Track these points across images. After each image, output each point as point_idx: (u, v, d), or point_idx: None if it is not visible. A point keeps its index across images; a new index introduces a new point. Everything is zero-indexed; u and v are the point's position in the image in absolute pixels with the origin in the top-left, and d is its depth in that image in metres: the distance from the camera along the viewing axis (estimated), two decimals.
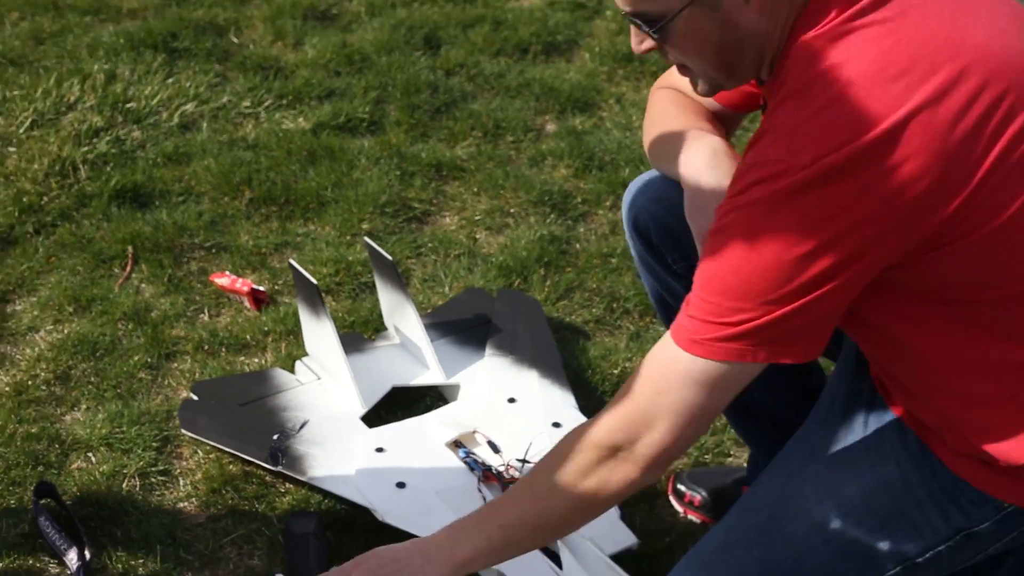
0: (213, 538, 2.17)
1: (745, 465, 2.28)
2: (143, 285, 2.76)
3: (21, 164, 3.08)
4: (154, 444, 2.34)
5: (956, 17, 1.42)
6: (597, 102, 3.48)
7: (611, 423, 1.55)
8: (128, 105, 3.32)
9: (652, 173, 1.89)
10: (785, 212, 1.38)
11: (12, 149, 3.15)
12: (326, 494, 2.22)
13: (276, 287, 2.76)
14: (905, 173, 1.35)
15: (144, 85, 3.41)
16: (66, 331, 2.61)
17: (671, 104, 1.81)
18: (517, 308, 2.61)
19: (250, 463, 2.29)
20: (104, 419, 2.38)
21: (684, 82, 1.64)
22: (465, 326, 2.57)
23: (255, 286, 2.71)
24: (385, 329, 2.59)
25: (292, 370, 2.49)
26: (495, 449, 2.25)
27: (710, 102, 1.81)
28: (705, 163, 1.70)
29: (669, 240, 1.87)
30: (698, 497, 2.24)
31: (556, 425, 2.28)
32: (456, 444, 2.27)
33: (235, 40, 3.70)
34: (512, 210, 3.01)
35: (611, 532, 2.09)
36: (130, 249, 2.83)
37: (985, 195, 1.39)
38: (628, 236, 1.94)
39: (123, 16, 3.80)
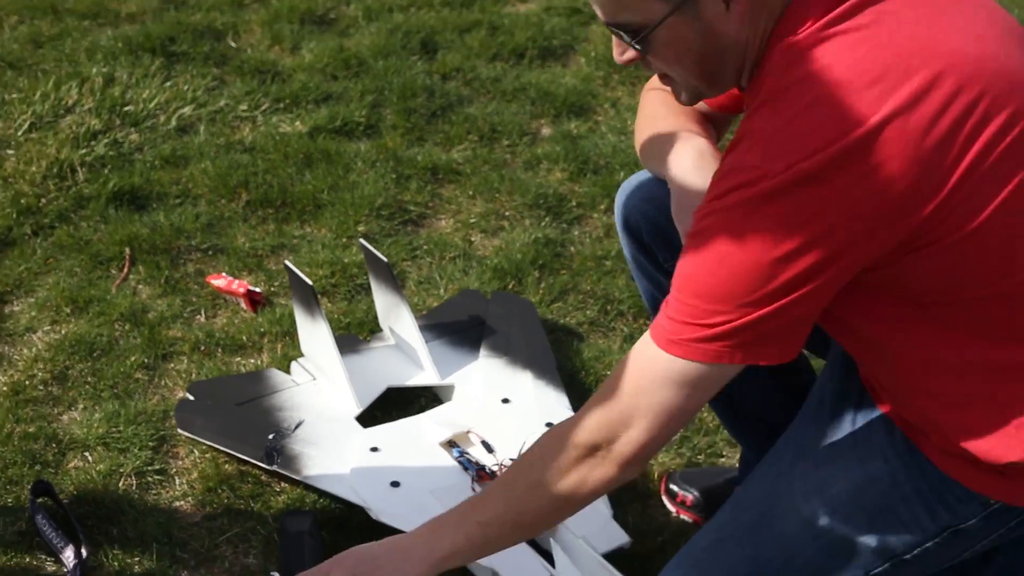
0: (209, 537, 2.19)
1: (737, 466, 2.30)
2: (140, 286, 2.78)
3: (19, 166, 3.10)
4: (150, 444, 2.35)
5: (931, 22, 1.43)
6: (592, 106, 3.51)
7: (590, 422, 1.56)
8: (126, 108, 3.34)
9: (644, 173, 1.91)
10: (760, 216, 1.40)
11: (10, 151, 3.17)
12: (321, 493, 2.24)
13: (272, 289, 2.78)
14: (879, 178, 1.37)
15: (142, 88, 3.43)
16: (63, 332, 2.62)
17: (661, 105, 1.83)
18: (512, 310, 2.62)
19: (246, 462, 2.30)
20: (101, 419, 2.39)
21: None
22: (460, 328, 2.58)
23: (251, 288, 2.73)
24: (380, 330, 2.60)
25: (288, 371, 2.50)
26: (489, 449, 2.27)
27: (699, 104, 1.83)
28: (691, 164, 1.72)
29: (660, 239, 1.89)
30: (690, 497, 2.25)
31: (549, 425, 2.30)
32: (450, 444, 2.28)
33: (233, 44, 3.72)
34: (507, 213, 3.03)
35: (604, 531, 2.11)
36: (127, 251, 2.85)
37: (959, 199, 1.40)
38: (620, 235, 1.97)
39: (121, 20, 3.82)
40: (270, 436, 2.29)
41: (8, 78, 3.48)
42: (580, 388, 2.51)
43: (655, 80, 1.91)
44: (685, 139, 1.75)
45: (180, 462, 2.34)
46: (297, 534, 2.10)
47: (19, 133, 3.24)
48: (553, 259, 2.87)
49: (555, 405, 2.36)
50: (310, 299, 2.39)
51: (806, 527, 1.64)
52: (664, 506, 2.29)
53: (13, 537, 2.16)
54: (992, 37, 1.46)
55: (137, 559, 2.13)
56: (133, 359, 2.55)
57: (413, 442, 2.30)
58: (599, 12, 1.50)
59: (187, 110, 3.37)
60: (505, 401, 2.39)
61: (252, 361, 2.57)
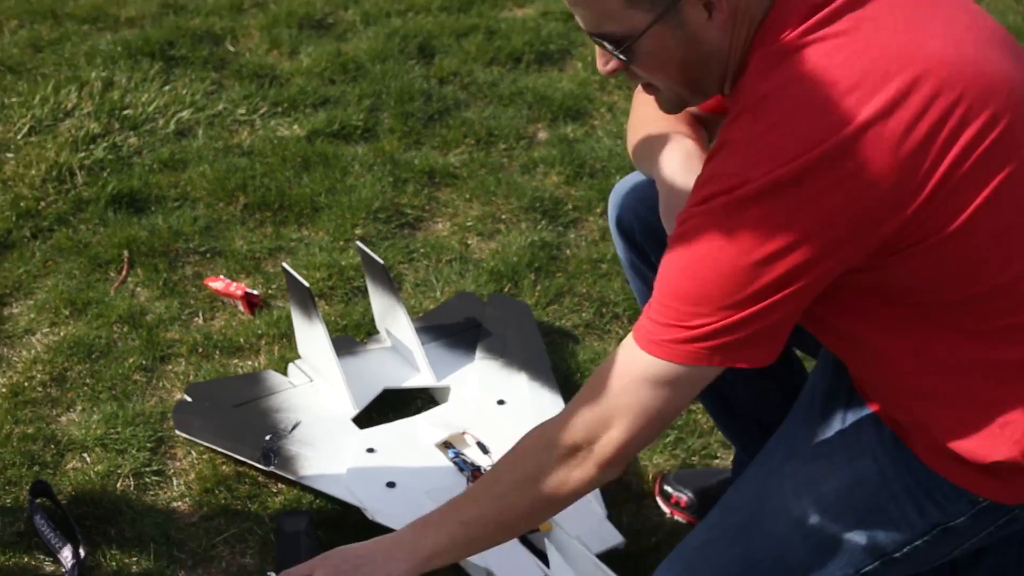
0: (206, 537, 2.20)
1: (731, 467, 2.32)
2: (138, 289, 2.79)
3: (19, 170, 3.11)
4: (148, 445, 2.37)
5: (910, 27, 1.45)
6: (589, 111, 3.52)
7: (571, 422, 1.58)
8: (125, 112, 3.36)
9: (638, 175, 1.93)
10: (740, 220, 1.42)
11: (10, 155, 3.19)
12: (318, 494, 2.25)
13: (270, 291, 2.79)
14: (857, 183, 1.39)
15: (141, 92, 3.45)
16: (62, 334, 2.64)
17: (652, 108, 1.84)
18: (508, 312, 2.64)
19: (243, 463, 2.32)
20: (99, 420, 2.41)
21: None
22: (456, 330, 2.60)
23: (249, 290, 2.75)
24: (377, 332, 2.62)
25: (285, 372, 2.52)
26: (484, 450, 2.28)
27: None
28: (679, 166, 1.74)
29: (653, 240, 1.90)
30: (684, 498, 2.27)
31: None
32: (446, 445, 2.30)
33: (231, 48, 3.74)
34: (504, 216, 3.05)
35: (598, 531, 2.13)
36: (126, 253, 2.87)
37: (939, 202, 1.42)
38: (614, 236, 1.99)
39: (121, 25, 3.84)
40: (267, 437, 2.30)
41: (8, 82, 3.49)
42: (575, 390, 2.51)
43: None
44: (674, 141, 1.77)
45: (178, 463, 2.36)
46: (294, 534, 2.11)
47: (19, 137, 3.25)
48: (549, 262, 2.89)
49: (550, 407, 2.38)
50: (307, 301, 2.40)
51: (796, 526, 1.66)
52: (658, 507, 2.30)
53: (12, 537, 2.18)
54: (971, 41, 1.47)
55: (135, 559, 2.15)
56: (131, 361, 2.57)
57: (409, 443, 2.32)
58: (582, 23, 1.51)
59: (185, 114, 3.39)
60: (500, 403, 2.41)
61: (249, 363, 2.59)
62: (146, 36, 3.71)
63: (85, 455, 2.35)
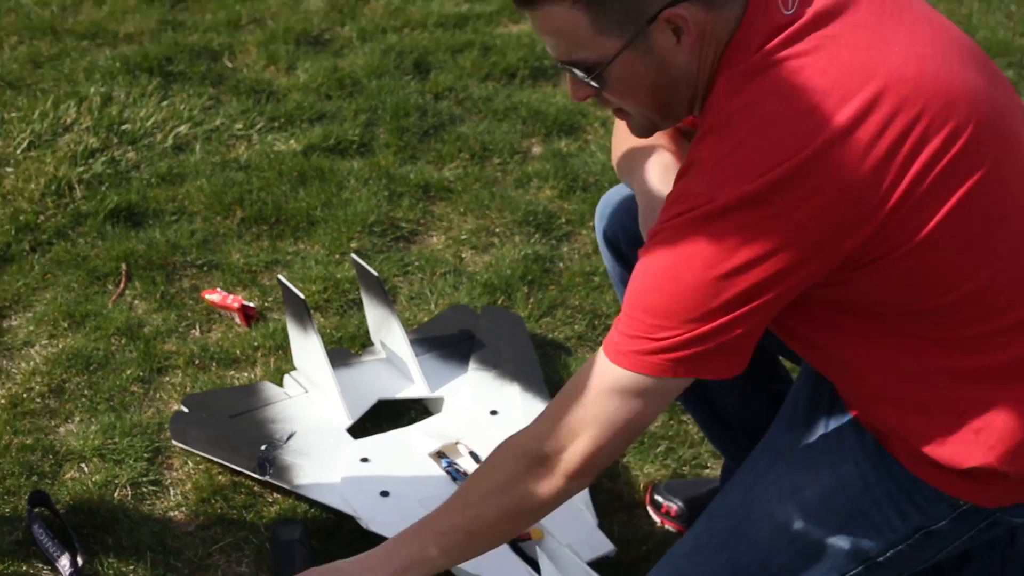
0: (202, 546, 2.22)
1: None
2: (136, 301, 2.82)
3: (18, 184, 3.14)
4: (145, 455, 2.39)
5: (872, 44, 1.47)
6: (582, 125, 3.56)
7: (539, 432, 1.61)
8: (123, 127, 3.39)
9: (624, 188, 1.96)
10: (705, 234, 1.45)
11: (10, 169, 3.22)
12: (312, 503, 2.28)
13: (266, 304, 2.82)
14: (818, 201, 1.42)
15: (139, 108, 3.48)
16: (61, 346, 2.67)
17: None
18: (501, 324, 2.67)
19: (239, 473, 2.34)
20: (97, 431, 2.44)
21: None
22: (449, 341, 2.63)
23: (245, 302, 2.77)
24: (372, 344, 2.65)
25: (281, 384, 2.55)
26: (477, 460, 2.31)
27: None
28: (657, 178, 1.77)
29: (639, 251, 1.93)
30: (674, 507, 2.29)
31: None
32: (439, 454, 2.33)
33: (229, 64, 3.77)
34: (497, 230, 3.08)
35: (589, 539, 2.15)
36: (124, 266, 2.90)
37: (901, 217, 1.44)
38: (601, 248, 2.02)
39: (120, 40, 3.87)
40: (263, 447, 2.33)
41: (7, 97, 3.52)
42: None
43: None
44: (654, 153, 1.80)
45: (174, 473, 2.38)
46: (288, 543, 2.14)
47: (18, 151, 3.28)
48: (542, 275, 2.92)
49: None
50: (303, 313, 2.43)
51: (781, 532, 1.68)
52: (649, 516, 2.32)
53: (10, 546, 2.20)
54: (933, 54, 1.50)
55: (132, 568, 2.17)
56: (129, 372, 2.59)
57: (403, 453, 2.34)
58: (553, 52, 1.54)
59: (183, 129, 3.42)
60: (493, 413, 2.44)
61: (246, 374, 2.62)
62: (144, 52, 3.74)
63: (83, 465, 2.37)
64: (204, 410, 2.45)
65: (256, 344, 2.68)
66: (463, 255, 3.00)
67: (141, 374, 2.60)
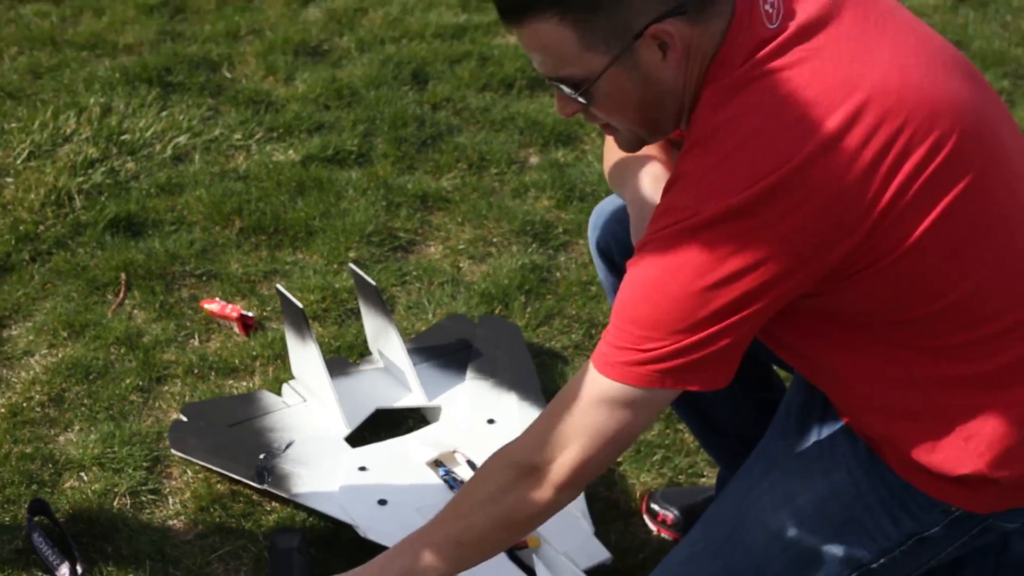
0: (201, 554, 2.24)
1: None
2: (135, 311, 2.84)
3: (18, 194, 3.16)
4: (144, 464, 2.41)
5: (855, 56, 1.48)
6: (579, 135, 3.57)
7: (528, 443, 1.61)
8: (123, 137, 3.41)
9: (616, 198, 1.97)
10: (692, 246, 1.46)
11: (10, 179, 3.23)
12: (310, 511, 2.29)
13: (264, 313, 2.84)
14: (804, 213, 1.43)
15: (138, 118, 3.50)
16: (60, 355, 2.68)
17: None
18: (498, 333, 2.68)
19: (237, 482, 2.35)
20: (96, 440, 2.45)
21: None
22: (447, 351, 2.64)
23: (244, 312, 2.79)
24: (369, 354, 2.66)
25: (279, 393, 2.56)
26: (474, 468, 2.32)
27: None
28: (648, 189, 1.78)
29: (627, 262, 1.95)
30: (670, 516, 2.30)
31: None
32: (436, 463, 2.34)
33: (228, 75, 3.79)
34: (495, 240, 3.10)
35: (585, 547, 2.16)
36: (123, 276, 2.91)
37: (886, 228, 1.46)
38: (594, 257, 2.03)
39: (119, 51, 3.89)
40: (261, 456, 2.34)
41: (8, 108, 3.54)
42: None
43: None
44: (644, 163, 1.81)
45: (173, 482, 2.40)
46: (286, 551, 2.15)
47: (18, 161, 3.30)
48: (539, 284, 2.93)
49: None
50: (301, 323, 2.45)
51: (775, 539, 1.69)
52: (645, 525, 2.33)
53: (10, 555, 2.21)
54: (916, 65, 1.51)
55: None
56: (128, 382, 2.61)
57: (400, 462, 2.35)
58: (540, 68, 1.55)
59: (182, 139, 3.43)
60: (490, 422, 2.45)
61: (244, 383, 2.63)
62: (144, 62, 3.76)
63: (83, 474, 2.39)
64: (203, 419, 2.47)
65: (255, 353, 2.69)
66: (461, 265, 3.02)
67: (140, 383, 2.61)
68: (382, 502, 2.24)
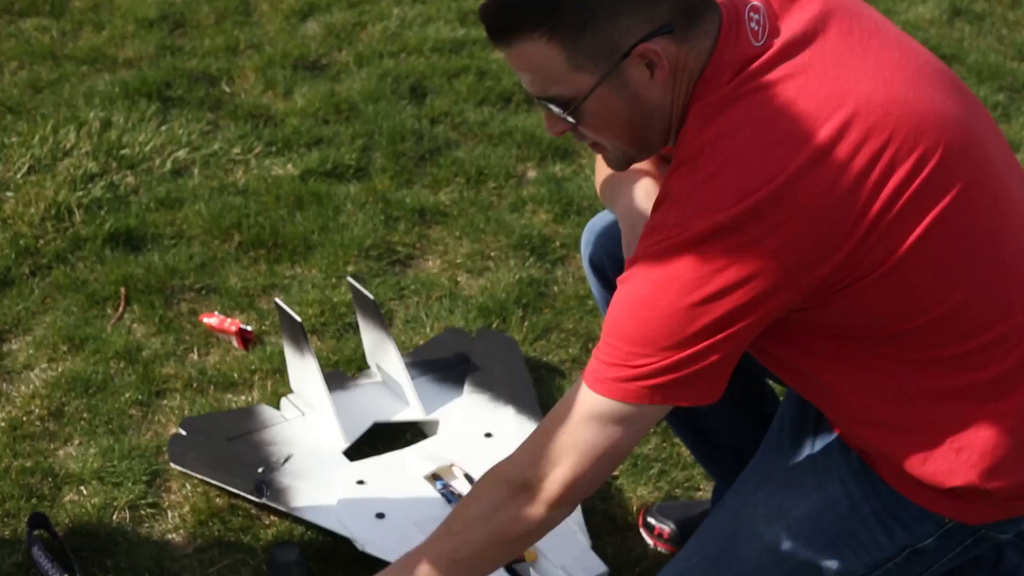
0: (200, 568, 2.25)
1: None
2: (135, 325, 2.85)
3: (18, 208, 3.17)
4: (144, 478, 2.42)
5: (840, 72, 1.50)
6: (577, 150, 3.59)
7: (521, 460, 1.62)
8: (122, 151, 3.42)
9: (609, 213, 1.99)
10: (679, 264, 1.47)
11: (9, 194, 3.25)
12: (309, 525, 2.30)
13: (263, 327, 2.85)
14: (790, 229, 1.45)
15: (138, 132, 3.51)
16: (60, 369, 2.69)
17: None
18: (495, 348, 2.70)
19: (236, 496, 2.37)
20: (96, 454, 2.46)
21: None
22: (445, 364, 2.65)
23: (243, 326, 2.80)
24: (367, 368, 2.68)
25: (278, 407, 2.57)
26: (471, 482, 2.33)
27: None
28: (639, 204, 1.80)
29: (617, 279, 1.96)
30: (667, 530, 2.31)
31: None
32: (434, 477, 2.35)
33: (227, 89, 3.81)
34: (493, 254, 3.11)
35: (582, 561, 2.17)
36: (123, 290, 2.92)
37: (873, 242, 1.47)
38: (587, 273, 2.04)
39: (119, 66, 3.91)
40: (260, 470, 2.35)
41: (7, 122, 3.56)
42: None
43: None
44: (635, 179, 1.83)
45: (172, 496, 2.41)
46: (285, 565, 2.16)
47: (18, 176, 3.31)
48: (537, 298, 2.95)
49: None
50: (300, 337, 2.46)
51: (770, 552, 1.70)
52: (642, 538, 2.34)
53: (10, 569, 2.22)
54: (901, 80, 1.52)
55: None
56: (127, 396, 2.62)
57: (398, 475, 2.37)
58: (529, 88, 1.56)
59: (182, 153, 3.45)
60: (488, 435, 2.46)
61: (243, 397, 2.64)
62: (143, 77, 3.77)
63: (82, 488, 2.40)
64: (202, 433, 2.48)
65: (253, 367, 2.71)
66: (458, 279, 3.03)
67: (140, 397, 2.62)
68: (380, 516, 2.26)
